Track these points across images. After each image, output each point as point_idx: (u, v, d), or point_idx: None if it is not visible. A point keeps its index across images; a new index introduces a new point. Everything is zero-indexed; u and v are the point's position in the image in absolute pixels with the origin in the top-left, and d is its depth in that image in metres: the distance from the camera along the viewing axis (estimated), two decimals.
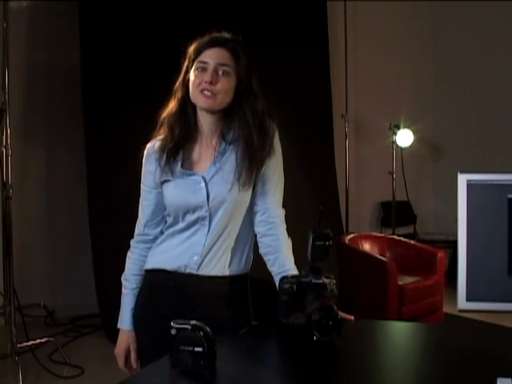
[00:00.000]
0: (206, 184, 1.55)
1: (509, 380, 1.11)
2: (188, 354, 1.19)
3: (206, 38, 1.57)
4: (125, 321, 1.64)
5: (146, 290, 1.63)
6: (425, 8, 6.11)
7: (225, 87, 1.53)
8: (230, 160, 1.57)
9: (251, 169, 1.54)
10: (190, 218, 1.56)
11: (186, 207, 1.55)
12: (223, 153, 1.57)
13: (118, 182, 3.84)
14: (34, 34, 4.32)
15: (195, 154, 1.60)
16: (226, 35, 1.58)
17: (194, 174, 1.57)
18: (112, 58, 4.04)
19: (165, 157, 1.57)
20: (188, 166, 1.58)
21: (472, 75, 5.86)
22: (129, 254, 1.67)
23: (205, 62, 1.53)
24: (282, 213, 1.64)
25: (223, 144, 1.58)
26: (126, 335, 1.64)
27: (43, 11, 4.32)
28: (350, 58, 5.59)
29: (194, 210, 1.55)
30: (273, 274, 1.59)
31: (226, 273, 1.58)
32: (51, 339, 3.68)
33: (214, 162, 1.56)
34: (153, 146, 1.63)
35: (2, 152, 3.39)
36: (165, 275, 1.59)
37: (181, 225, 1.58)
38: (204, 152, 1.59)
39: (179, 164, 1.57)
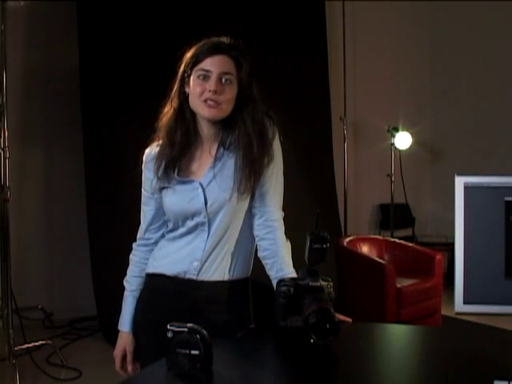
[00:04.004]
0: (204, 190, 1.54)
1: (506, 383, 1.11)
2: (184, 356, 1.19)
3: (205, 45, 1.53)
4: (124, 323, 1.64)
5: (147, 294, 1.63)
6: (424, 9, 6.12)
7: (228, 96, 1.51)
8: (228, 165, 1.55)
9: (250, 177, 1.53)
10: (190, 223, 1.56)
11: (185, 213, 1.55)
12: (220, 158, 1.56)
13: (116, 184, 3.84)
14: (32, 34, 4.32)
15: (195, 161, 1.59)
16: (226, 41, 1.55)
17: (191, 181, 1.56)
18: (110, 58, 4.04)
19: (163, 165, 1.55)
20: (186, 173, 1.57)
21: (471, 77, 5.87)
22: (131, 256, 1.67)
23: (207, 70, 1.50)
24: (280, 216, 1.62)
25: (221, 149, 1.57)
26: (124, 337, 1.64)
27: (41, 11, 4.32)
28: (348, 60, 5.59)
29: (193, 216, 1.54)
30: (271, 277, 1.59)
31: (227, 277, 1.58)
32: (49, 342, 3.68)
33: (211, 168, 1.55)
34: (151, 152, 1.61)
35: (0, 154, 3.39)
36: (165, 280, 1.58)
37: (181, 230, 1.58)
38: (203, 159, 1.58)
39: (176, 172, 1.56)
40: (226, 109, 1.52)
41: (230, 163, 1.55)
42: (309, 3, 5.22)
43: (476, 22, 5.80)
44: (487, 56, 5.73)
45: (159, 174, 1.56)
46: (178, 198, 1.56)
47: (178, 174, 1.56)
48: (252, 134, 1.54)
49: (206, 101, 1.50)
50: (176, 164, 1.56)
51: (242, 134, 1.54)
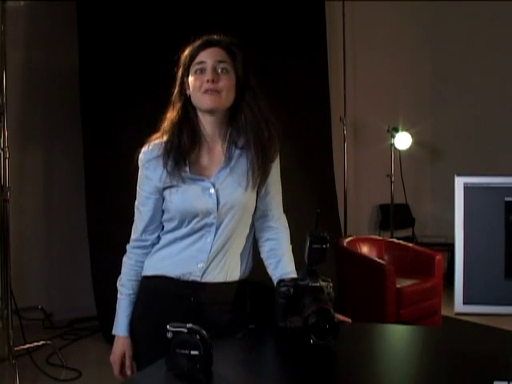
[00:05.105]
0: (216, 190, 1.53)
1: (505, 383, 1.11)
2: (184, 357, 1.19)
3: (197, 42, 1.56)
4: (120, 327, 1.61)
5: (146, 297, 1.60)
6: (424, 9, 6.11)
7: (227, 84, 1.52)
8: (241, 164, 1.56)
9: (262, 167, 1.54)
10: (196, 224, 1.54)
11: (195, 213, 1.52)
12: (233, 158, 1.56)
13: (116, 184, 3.83)
14: (32, 34, 4.32)
15: (203, 160, 1.58)
16: (217, 36, 1.57)
17: (203, 180, 1.54)
18: (110, 58, 4.04)
19: (171, 162, 1.53)
20: (196, 171, 1.55)
21: (470, 78, 5.87)
22: (125, 259, 1.63)
23: (202, 62, 1.52)
24: (284, 217, 1.65)
25: (233, 148, 1.57)
26: (121, 342, 1.61)
27: (41, 11, 4.31)
28: (348, 60, 5.59)
29: (203, 216, 1.53)
30: (274, 277, 1.60)
31: (230, 279, 1.57)
32: (49, 342, 3.67)
33: (224, 168, 1.55)
34: (150, 150, 1.58)
35: (0, 154, 3.39)
36: (166, 282, 1.56)
37: (184, 230, 1.55)
38: (212, 157, 1.58)
39: (187, 169, 1.54)
40: (226, 97, 1.53)
41: (241, 162, 1.56)
42: (309, 3, 5.22)
43: (476, 22, 5.80)
44: (487, 56, 5.73)
45: (169, 170, 1.53)
46: (188, 197, 1.53)
47: (189, 171, 1.54)
48: (260, 120, 1.55)
49: (205, 92, 1.51)
50: (186, 159, 1.54)
51: (250, 121, 1.55)
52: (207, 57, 1.53)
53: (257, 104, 1.56)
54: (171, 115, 1.59)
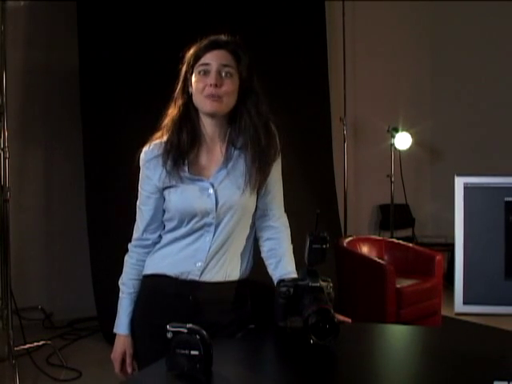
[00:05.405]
0: (215, 190, 1.53)
1: (505, 383, 1.11)
2: (184, 357, 1.19)
3: (204, 42, 1.55)
4: (121, 325, 1.62)
5: (146, 296, 1.61)
6: (424, 9, 6.11)
7: (230, 89, 1.51)
8: (239, 165, 1.56)
9: (261, 170, 1.54)
10: (196, 224, 1.54)
11: (194, 213, 1.53)
12: (231, 158, 1.56)
13: (116, 184, 3.83)
14: (32, 34, 4.31)
15: (202, 160, 1.58)
16: (224, 37, 1.57)
17: (201, 180, 1.54)
18: (110, 59, 4.03)
19: (170, 161, 1.54)
20: (195, 172, 1.56)
21: (470, 77, 5.87)
22: (126, 258, 1.65)
23: (207, 64, 1.52)
24: (285, 217, 1.65)
25: (231, 149, 1.57)
26: (122, 340, 1.62)
27: (41, 11, 4.31)
28: (348, 60, 5.59)
29: (201, 216, 1.53)
30: (274, 277, 1.60)
31: (229, 278, 1.57)
32: (49, 342, 3.67)
33: (222, 168, 1.55)
34: (151, 150, 1.58)
35: (0, 154, 3.39)
36: (166, 281, 1.56)
37: (183, 230, 1.56)
38: (211, 157, 1.58)
39: (186, 169, 1.54)
40: (228, 102, 1.52)
41: (240, 163, 1.56)
42: (309, 3, 5.22)
43: (476, 22, 5.80)
44: (487, 56, 5.73)
45: (169, 169, 1.53)
46: (187, 197, 1.54)
47: (188, 171, 1.54)
48: (258, 126, 1.55)
49: (207, 96, 1.50)
50: (185, 159, 1.55)
51: (248, 126, 1.55)
52: (212, 59, 1.52)
53: (256, 108, 1.56)
54: (172, 112, 1.59)
